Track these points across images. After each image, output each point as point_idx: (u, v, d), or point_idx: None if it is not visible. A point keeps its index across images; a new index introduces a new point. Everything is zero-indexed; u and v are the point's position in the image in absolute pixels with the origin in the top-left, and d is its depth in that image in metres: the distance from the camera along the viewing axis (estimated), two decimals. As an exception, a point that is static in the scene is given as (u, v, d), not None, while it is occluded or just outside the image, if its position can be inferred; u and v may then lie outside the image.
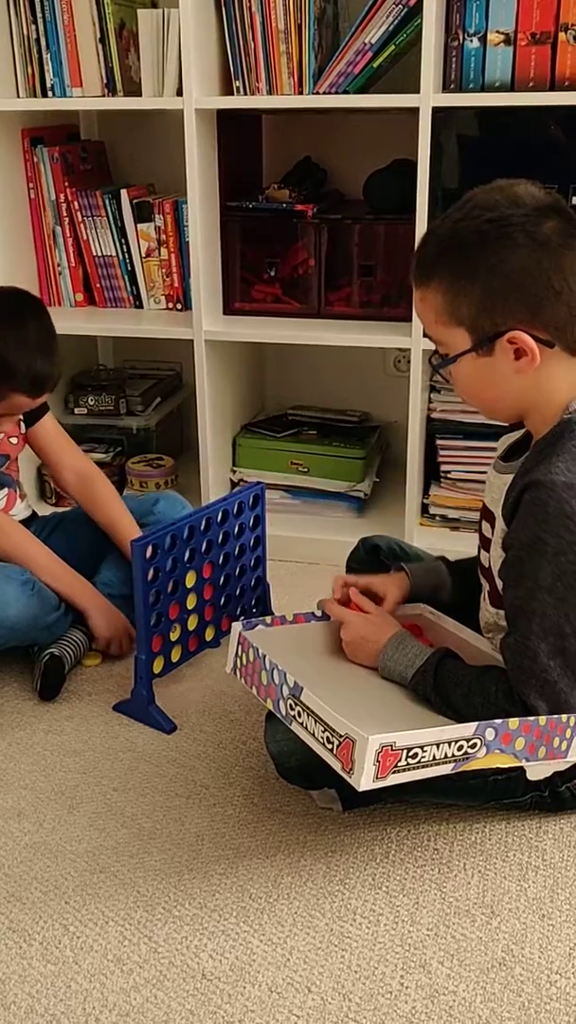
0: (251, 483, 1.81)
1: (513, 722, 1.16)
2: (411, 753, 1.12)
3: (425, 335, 1.91)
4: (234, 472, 2.31)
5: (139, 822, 1.41)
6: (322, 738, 1.17)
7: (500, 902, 1.26)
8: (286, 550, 2.11)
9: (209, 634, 1.73)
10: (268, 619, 1.44)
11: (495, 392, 1.25)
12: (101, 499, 1.86)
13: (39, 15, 2.02)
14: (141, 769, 1.52)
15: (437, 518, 2.15)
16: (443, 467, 2.13)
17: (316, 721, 1.18)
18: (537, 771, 1.26)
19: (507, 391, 1.24)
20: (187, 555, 1.63)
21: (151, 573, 1.56)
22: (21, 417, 1.83)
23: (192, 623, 1.68)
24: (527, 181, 1.21)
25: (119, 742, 1.58)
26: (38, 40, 2.03)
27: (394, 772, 1.12)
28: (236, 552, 1.74)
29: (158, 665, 1.63)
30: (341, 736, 1.14)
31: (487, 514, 1.35)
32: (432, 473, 2.16)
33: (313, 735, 1.19)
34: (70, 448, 1.91)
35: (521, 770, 1.26)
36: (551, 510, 1.15)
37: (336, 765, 1.15)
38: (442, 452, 2.13)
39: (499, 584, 1.27)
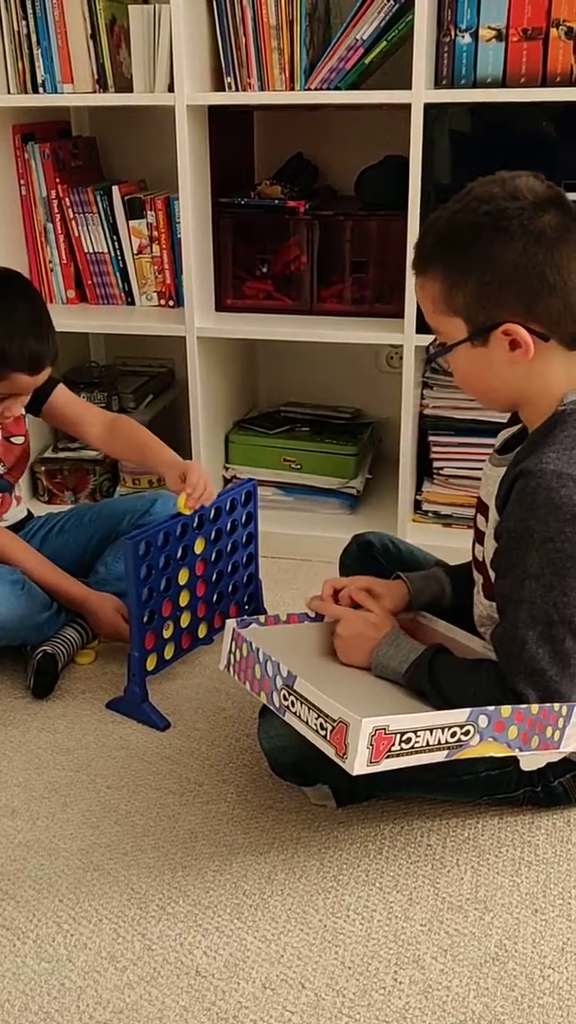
0: (244, 480, 1.81)
1: (505, 710, 1.17)
2: (404, 737, 1.12)
3: (419, 331, 1.93)
4: (227, 469, 2.31)
5: (132, 819, 1.41)
6: (315, 725, 1.17)
7: (493, 897, 1.26)
8: (279, 547, 2.11)
9: (202, 631, 1.73)
10: (262, 618, 1.44)
11: (490, 382, 1.26)
12: (130, 434, 1.83)
13: (30, 11, 2.01)
14: (134, 767, 1.52)
15: (430, 514, 2.15)
16: (436, 463, 2.14)
17: (309, 708, 1.18)
18: (530, 761, 1.26)
19: (502, 381, 1.24)
20: (180, 552, 1.63)
21: (144, 570, 1.56)
22: (23, 413, 1.82)
23: (185, 620, 1.68)
24: (529, 173, 1.20)
25: (112, 740, 1.58)
26: (29, 36, 2.02)
27: (388, 757, 1.12)
28: (229, 549, 1.74)
29: (151, 662, 1.63)
30: (334, 720, 1.14)
31: (482, 507, 1.35)
32: (425, 469, 2.16)
33: (307, 723, 1.19)
34: (89, 409, 1.90)
35: (513, 765, 1.27)
36: (540, 498, 1.15)
37: (330, 751, 1.15)
38: (435, 448, 2.13)
39: (492, 576, 1.28)
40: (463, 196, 1.21)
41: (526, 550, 1.17)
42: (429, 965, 1.16)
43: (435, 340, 1.28)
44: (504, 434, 1.39)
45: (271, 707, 1.27)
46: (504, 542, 1.21)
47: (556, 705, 1.19)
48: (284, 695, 1.23)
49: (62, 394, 1.86)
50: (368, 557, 1.61)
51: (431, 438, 2.13)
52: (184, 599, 1.66)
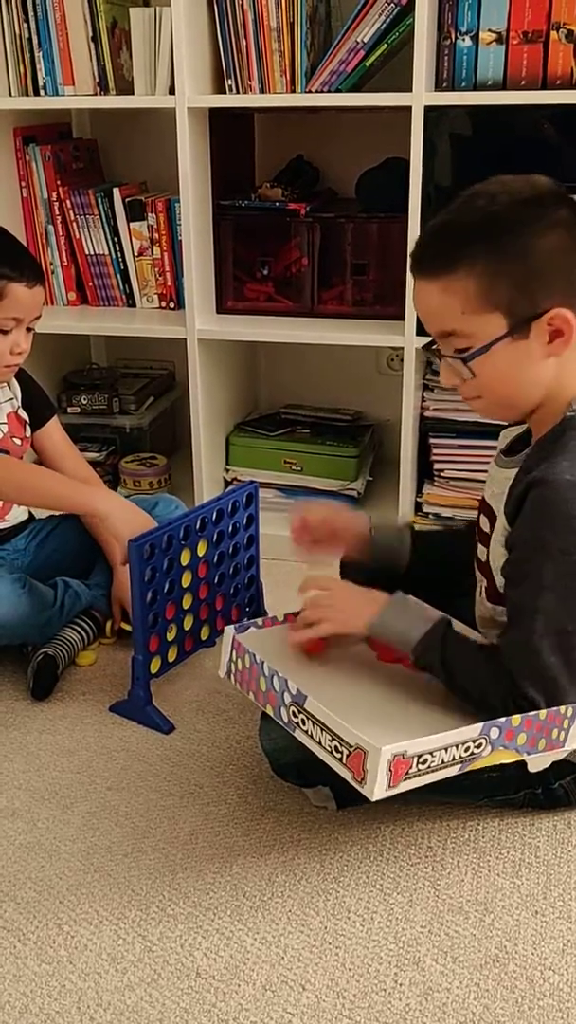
0: (245, 482, 1.81)
1: (516, 719, 1.17)
2: (421, 759, 1.12)
3: (419, 334, 1.93)
4: (227, 471, 2.31)
5: (133, 821, 1.41)
6: (330, 747, 1.17)
7: (494, 899, 1.26)
8: (280, 549, 2.11)
9: (204, 634, 1.73)
10: (260, 621, 1.43)
11: (519, 382, 1.23)
12: None
13: (31, 14, 2.01)
14: (135, 768, 1.52)
15: (430, 516, 2.15)
16: (436, 465, 2.14)
17: (323, 730, 1.17)
18: (537, 763, 1.26)
19: (532, 379, 1.23)
20: (183, 555, 1.63)
21: (148, 573, 1.56)
22: (27, 420, 1.83)
23: (188, 623, 1.68)
24: (537, 175, 1.22)
25: (113, 741, 1.58)
26: (30, 39, 2.03)
27: (405, 779, 1.13)
28: (230, 551, 1.74)
29: (155, 665, 1.63)
30: (351, 746, 1.13)
31: (486, 509, 1.35)
32: (425, 472, 2.17)
33: (319, 743, 1.18)
34: (73, 456, 1.91)
35: (514, 767, 1.27)
36: (556, 509, 1.15)
37: (347, 775, 1.15)
38: (435, 451, 2.13)
39: (498, 581, 1.27)
40: (481, 194, 1.20)
41: (542, 561, 1.17)
42: (429, 967, 1.17)
43: (435, 350, 1.27)
44: (508, 433, 1.38)
45: (279, 721, 1.26)
46: (518, 552, 1.21)
47: (562, 708, 1.20)
48: (293, 712, 1.22)
49: (55, 429, 1.89)
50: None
51: (432, 440, 2.13)
52: (187, 602, 1.66)
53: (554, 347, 1.20)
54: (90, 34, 2.01)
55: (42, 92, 2.06)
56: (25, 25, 2.03)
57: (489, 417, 1.36)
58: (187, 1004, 1.12)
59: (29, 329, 1.71)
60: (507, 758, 1.19)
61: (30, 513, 1.94)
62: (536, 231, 1.17)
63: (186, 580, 1.65)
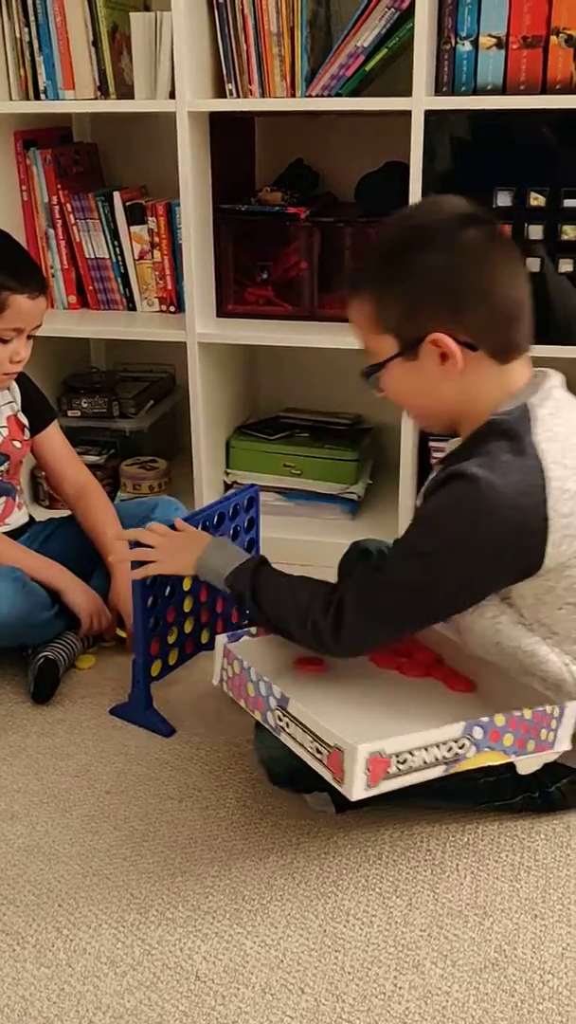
0: (246, 485, 1.82)
1: (499, 719, 1.17)
2: (400, 759, 1.12)
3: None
4: (227, 474, 2.31)
5: (132, 825, 1.41)
6: (311, 748, 1.17)
7: (493, 903, 1.26)
8: (280, 552, 2.10)
9: (204, 637, 1.73)
10: (253, 629, 1.44)
11: (425, 399, 1.29)
12: (92, 511, 1.86)
13: (32, 17, 2.02)
14: (134, 772, 1.52)
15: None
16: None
17: (304, 731, 1.18)
18: (527, 765, 1.26)
19: (437, 397, 1.26)
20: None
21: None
22: (26, 423, 1.83)
23: (188, 626, 1.68)
24: (453, 196, 1.26)
25: (112, 745, 1.58)
26: (31, 43, 2.03)
27: (385, 779, 1.13)
28: (229, 554, 1.74)
29: (156, 668, 1.63)
30: (330, 746, 1.14)
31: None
32: (425, 475, 2.16)
33: (302, 746, 1.19)
34: (72, 461, 1.92)
35: (510, 772, 1.27)
36: (459, 497, 1.18)
37: (327, 775, 1.15)
38: (435, 454, 2.13)
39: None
40: (391, 219, 1.28)
41: (427, 534, 1.22)
42: (429, 970, 1.16)
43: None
44: (452, 444, 1.40)
45: (266, 726, 1.27)
46: (412, 523, 1.27)
47: (548, 708, 1.21)
48: (279, 716, 1.23)
49: (55, 434, 1.90)
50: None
51: (431, 444, 2.13)
52: (187, 605, 1.67)
53: (446, 369, 1.22)
54: (91, 38, 2.01)
55: (43, 96, 2.06)
56: (26, 29, 2.03)
57: (420, 426, 1.39)
58: (186, 1007, 1.12)
59: (29, 337, 1.71)
60: (494, 760, 1.19)
61: (30, 516, 1.95)
62: (420, 257, 1.20)
63: (186, 583, 1.65)
